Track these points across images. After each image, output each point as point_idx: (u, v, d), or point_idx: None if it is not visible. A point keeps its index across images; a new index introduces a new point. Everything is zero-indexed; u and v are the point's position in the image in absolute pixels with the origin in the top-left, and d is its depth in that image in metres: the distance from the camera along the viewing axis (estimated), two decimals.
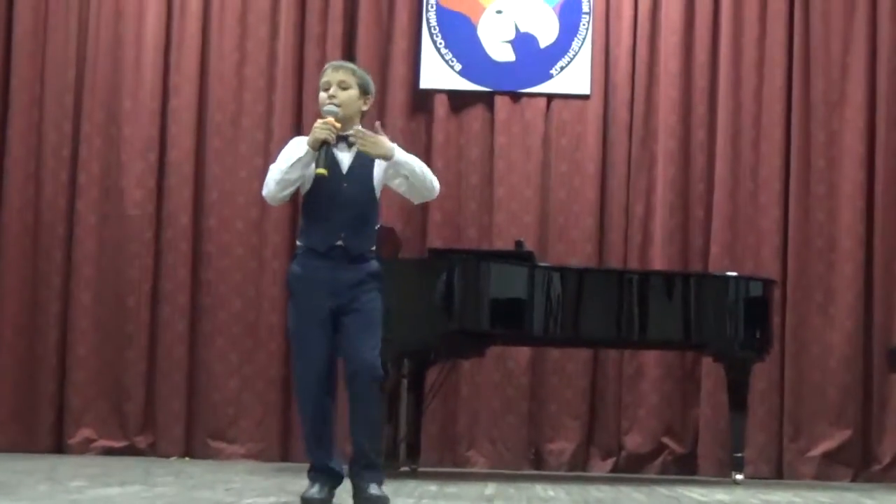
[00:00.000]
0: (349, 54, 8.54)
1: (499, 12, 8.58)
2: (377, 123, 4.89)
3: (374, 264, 4.81)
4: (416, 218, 8.38)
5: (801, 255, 8.36)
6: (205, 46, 8.63)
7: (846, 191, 8.38)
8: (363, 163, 4.79)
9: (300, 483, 5.90)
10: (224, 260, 8.49)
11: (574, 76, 8.54)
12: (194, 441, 8.36)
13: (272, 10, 8.62)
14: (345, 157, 4.79)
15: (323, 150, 4.64)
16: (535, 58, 8.49)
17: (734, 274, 7.43)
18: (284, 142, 8.12)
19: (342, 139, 4.76)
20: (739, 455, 7.26)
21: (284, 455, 8.29)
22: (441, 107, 8.51)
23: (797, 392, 8.27)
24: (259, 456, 8.24)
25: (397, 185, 4.85)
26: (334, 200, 4.73)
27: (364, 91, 4.86)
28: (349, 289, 4.72)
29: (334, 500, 4.74)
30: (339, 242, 4.73)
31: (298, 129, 8.45)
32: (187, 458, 8.19)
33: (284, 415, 8.34)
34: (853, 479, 8.12)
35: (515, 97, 8.54)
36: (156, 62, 8.56)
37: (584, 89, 8.53)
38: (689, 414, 8.36)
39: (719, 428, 8.01)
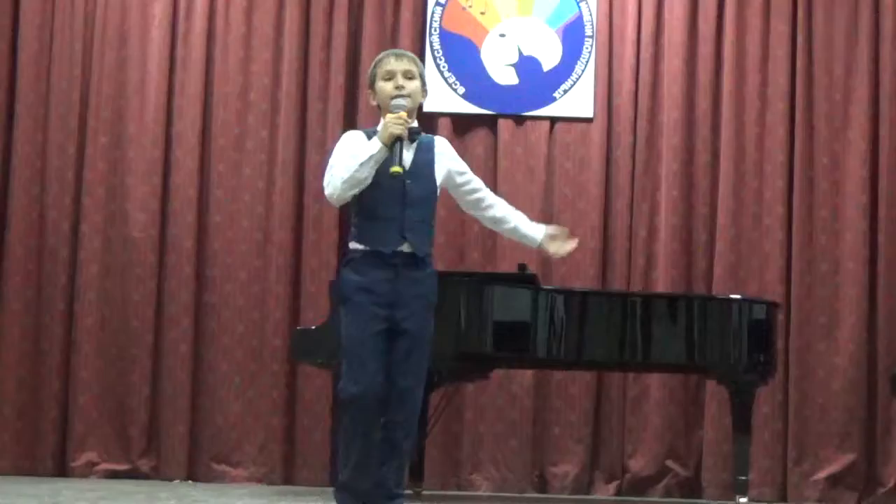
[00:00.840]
0: (352, 78, 8.59)
1: (502, 36, 8.57)
2: None
3: (433, 274, 4.60)
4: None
5: (804, 278, 8.33)
6: (209, 70, 8.62)
7: (849, 214, 8.35)
8: (426, 160, 4.57)
9: None
10: (228, 284, 8.46)
11: (577, 99, 8.53)
12: (198, 464, 8.32)
13: (276, 35, 8.62)
14: (407, 154, 4.51)
15: (397, 146, 4.37)
16: (538, 81, 8.49)
17: (738, 297, 7.37)
18: (287, 166, 8.37)
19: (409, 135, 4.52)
20: (744, 478, 7.14)
21: (287, 479, 8.26)
22: (444, 130, 8.43)
23: (801, 415, 8.22)
24: (262, 479, 8.21)
25: (462, 192, 4.71)
26: (399, 199, 4.46)
27: (423, 82, 4.65)
28: (407, 302, 4.46)
29: None
30: (405, 245, 4.46)
31: (302, 153, 8.55)
32: (190, 482, 8.15)
33: (287, 438, 8.33)
34: (859, 502, 8.10)
35: (519, 120, 8.50)
36: (160, 86, 8.55)
37: (588, 112, 8.51)
38: (692, 437, 8.32)
39: (723, 451, 7.96)
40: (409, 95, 4.49)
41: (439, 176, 4.59)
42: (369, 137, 4.45)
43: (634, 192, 8.48)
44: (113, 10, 8.58)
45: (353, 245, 4.55)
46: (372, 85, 4.60)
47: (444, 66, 8.58)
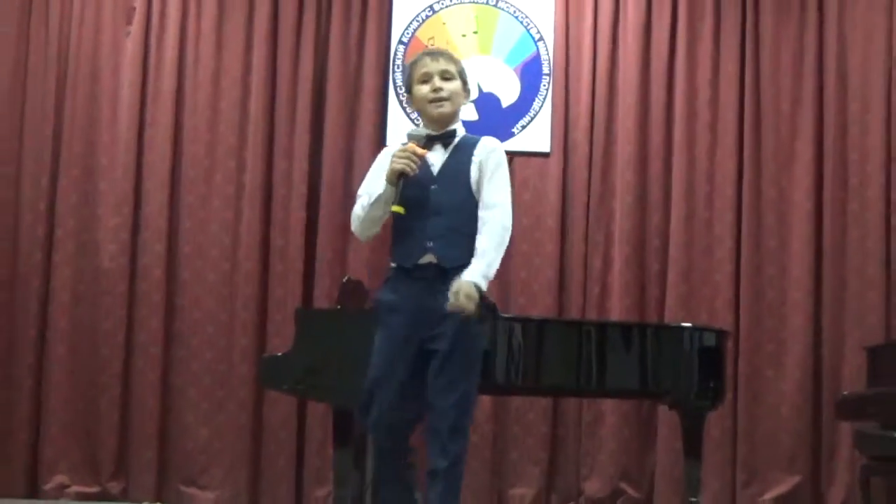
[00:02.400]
0: (318, 115, 8.59)
1: None
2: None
3: None
4: (383, 270, 8.18)
5: (752, 307, 8.36)
6: (179, 104, 8.58)
7: (795, 246, 8.40)
8: (459, 162, 4.13)
9: None
10: (196, 312, 8.42)
11: (535, 135, 8.55)
12: (167, 487, 8.26)
13: (244, 71, 8.61)
14: (437, 158, 4.15)
15: (400, 183, 4.01)
16: (497, 117, 8.50)
17: (689, 325, 7.34)
18: (255, 196, 8.29)
19: (436, 139, 4.15)
20: (694, 500, 7.03)
21: (253, 500, 8.23)
22: None
23: (750, 439, 8.25)
24: (229, 501, 8.16)
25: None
26: (423, 207, 4.07)
27: (466, 83, 4.25)
28: (437, 320, 4.00)
29: None
30: (429, 256, 4.05)
31: (269, 185, 8.51)
32: None
33: (254, 463, 8.28)
34: None
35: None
36: (131, 119, 8.50)
37: (545, 147, 8.53)
38: (645, 460, 8.32)
39: (674, 474, 7.93)
40: (447, 99, 4.14)
41: (473, 180, 4.13)
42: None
43: (589, 224, 8.49)
44: (85, 45, 8.55)
45: (390, 262, 4.23)
46: (409, 90, 4.26)
47: (406, 101, 8.45)
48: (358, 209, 4.16)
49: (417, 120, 8.23)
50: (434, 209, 4.07)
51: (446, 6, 8.64)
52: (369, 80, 8.58)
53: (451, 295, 3.94)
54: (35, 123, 8.49)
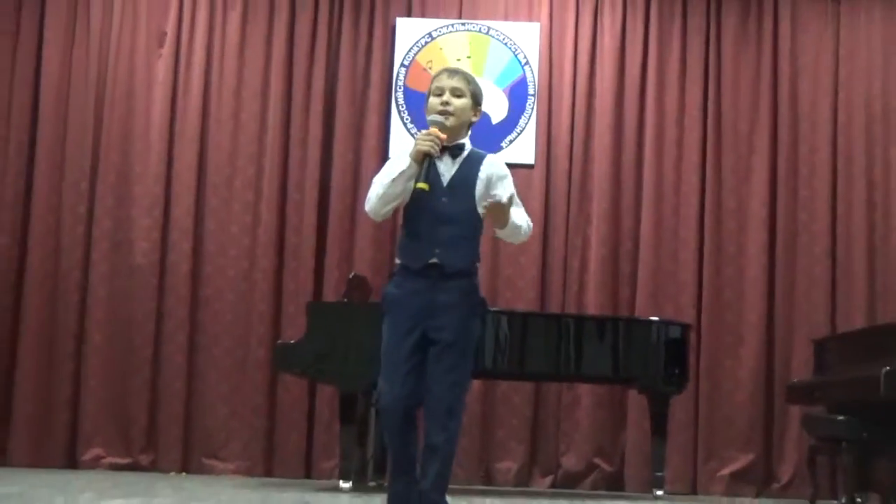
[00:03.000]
0: (329, 129, 8.64)
1: None
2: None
3: (471, 283, 4.02)
4: (385, 268, 8.40)
5: (713, 304, 8.43)
6: (204, 119, 8.66)
7: (752, 250, 8.47)
8: (466, 175, 4.01)
9: (281, 495, 5.93)
10: (217, 303, 8.49)
11: (521, 149, 8.59)
12: (191, 459, 8.33)
13: (263, 90, 8.69)
14: (447, 170, 4.00)
15: (426, 163, 3.87)
16: (487, 132, 8.45)
17: (656, 319, 7.46)
18: (271, 201, 8.48)
19: (446, 150, 4.00)
20: (660, 474, 7.24)
21: (268, 471, 8.27)
22: None
23: (710, 421, 8.31)
24: (246, 472, 8.21)
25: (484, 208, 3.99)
26: (433, 215, 3.94)
27: (476, 102, 4.09)
28: (437, 311, 3.93)
29: None
30: (434, 259, 3.92)
31: (284, 191, 8.57)
32: (184, 474, 8.17)
33: (268, 437, 8.33)
34: (756, 496, 8.16)
35: None
36: (161, 132, 8.59)
37: (530, 160, 8.56)
38: (617, 439, 8.37)
39: (643, 451, 7.98)
40: (452, 113, 4.00)
41: (478, 194, 4.00)
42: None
43: (569, 229, 8.54)
44: (122, 66, 8.64)
45: (396, 260, 4.09)
46: (427, 98, 4.12)
47: (407, 118, 8.64)
48: (377, 188, 3.97)
49: (417, 133, 8.47)
50: (442, 218, 3.96)
51: (443, 33, 8.69)
52: (374, 97, 8.66)
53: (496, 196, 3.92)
54: (76, 135, 8.59)
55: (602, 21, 8.72)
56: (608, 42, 8.69)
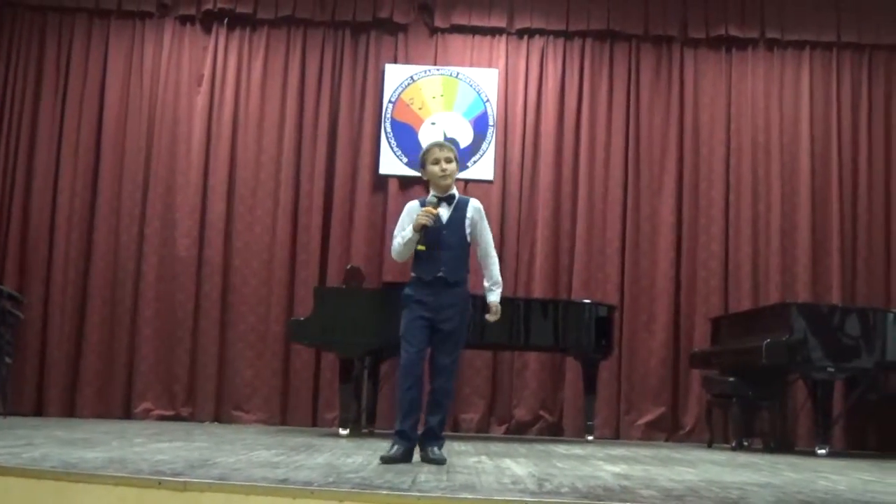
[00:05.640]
0: (331, 149, 8.60)
1: (433, 123, 8.62)
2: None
3: (464, 290, 4.41)
4: (375, 260, 8.38)
5: (632, 289, 8.44)
6: (233, 142, 8.63)
7: (662, 246, 8.48)
8: (458, 217, 4.39)
9: (295, 439, 5.90)
10: (244, 288, 8.44)
11: (483, 168, 8.56)
12: (222, 411, 8.30)
13: (280, 119, 8.65)
14: (445, 213, 4.37)
15: (423, 232, 4.30)
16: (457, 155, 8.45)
17: (588, 301, 7.45)
18: (287, 207, 8.42)
19: (443, 199, 4.38)
20: (591, 423, 7.26)
21: (283, 421, 8.24)
22: (393, 186, 8.53)
23: (629, 381, 8.32)
24: (266, 422, 8.19)
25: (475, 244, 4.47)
26: (437, 243, 4.34)
27: (458, 161, 4.48)
28: (444, 308, 4.30)
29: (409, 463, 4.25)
30: (440, 274, 4.31)
31: (296, 200, 8.53)
32: (216, 423, 8.13)
33: (284, 394, 8.30)
34: (666, 440, 8.17)
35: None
36: (199, 153, 8.55)
37: (490, 176, 8.55)
38: (557, 395, 8.36)
39: (577, 404, 7.99)
40: (450, 175, 4.37)
41: (467, 228, 4.40)
42: (422, 205, 4.38)
43: (520, 231, 8.53)
44: (168, 101, 8.62)
45: (412, 272, 4.43)
46: (423, 166, 4.45)
47: (394, 143, 8.60)
48: (396, 245, 4.40)
49: (403, 156, 8.45)
50: (444, 245, 4.33)
51: (422, 77, 8.65)
52: (368, 126, 8.62)
53: (493, 310, 4.43)
54: (132, 155, 8.55)
55: (547, 68, 8.72)
56: (551, 84, 8.69)
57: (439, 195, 4.39)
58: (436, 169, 4.38)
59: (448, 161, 4.38)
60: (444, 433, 4.42)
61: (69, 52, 8.67)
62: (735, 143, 8.59)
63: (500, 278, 4.51)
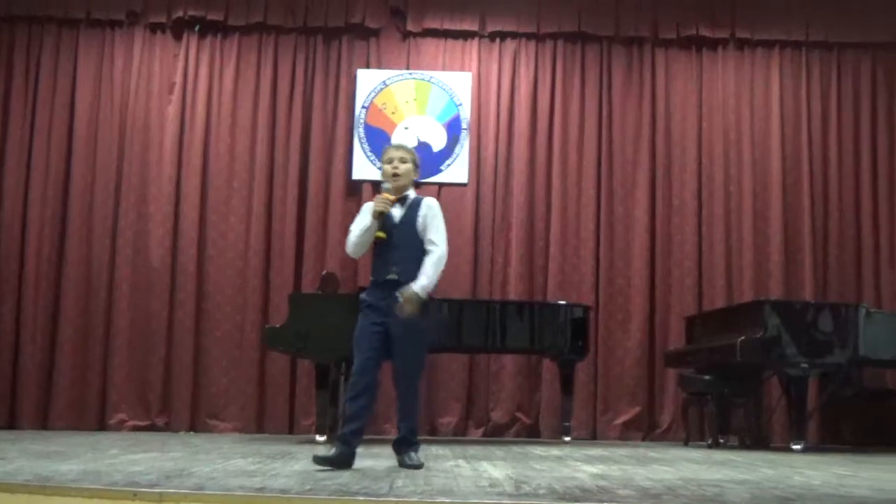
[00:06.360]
0: (304, 155, 8.56)
1: (406, 128, 8.61)
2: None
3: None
4: (350, 266, 8.33)
5: (607, 290, 8.45)
6: (206, 150, 8.57)
7: (637, 246, 8.50)
8: (412, 215, 4.40)
9: (271, 447, 5.87)
10: (218, 296, 8.40)
11: (456, 171, 8.55)
12: (197, 420, 8.24)
13: (252, 125, 8.61)
14: (397, 212, 4.39)
15: (381, 218, 4.31)
16: (430, 158, 8.46)
17: (563, 302, 7.46)
18: (260, 214, 8.38)
19: (397, 201, 4.39)
20: (567, 424, 7.27)
21: (259, 429, 8.20)
22: (366, 191, 8.48)
23: (605, 381, 8.33)
24: (243, 430, 8.15)
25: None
26: (389, 244, 4.34)
27: (416, 165, 4.51)
28: (394, 313, 4.26)
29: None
30: (392, 275, 4.28)
31: (270, 206, 8.48)
32: (192, 432, 8.07)
33: (260, 402, 8.25)
34: (643, 440, 8.18)
35: (417, 185, 8.41)
36: (172, 161, 8.50)
37: (464, 179, 8.54)
38: (534, 397, 8.36)
39: (554, 406, 7.99)
40: (401, 174, 4.41)
41: (419, 227, 4.39)
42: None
43: (494, 233, 8.52)
44: (139, 108, 8.55)
45: (370, 276, 4.44)
46: (383, 167, 4.52)
47: (367, 148, 8.58)
48: (352, 237, 4.39)
49: (376, 162, 8.43)
50: (395, 245, 4.33)
51: (395, 81, 8.64)
52: (341, 132, 8.59)
53: (400, 298, 4.25)
54: (104, 163, 8.48)
55: (519, 72, 8.72)
56: (524, 88, 8.70)
57: (393, 195, 4.42)
58: (388, 168, 4.46)
59: (402, 161, 4.44)
60: (419, 438, 4.40)
61: (38, 61, 8.60)
62: (707, 143, 8.64)
63: (431, 273, 4.33)
